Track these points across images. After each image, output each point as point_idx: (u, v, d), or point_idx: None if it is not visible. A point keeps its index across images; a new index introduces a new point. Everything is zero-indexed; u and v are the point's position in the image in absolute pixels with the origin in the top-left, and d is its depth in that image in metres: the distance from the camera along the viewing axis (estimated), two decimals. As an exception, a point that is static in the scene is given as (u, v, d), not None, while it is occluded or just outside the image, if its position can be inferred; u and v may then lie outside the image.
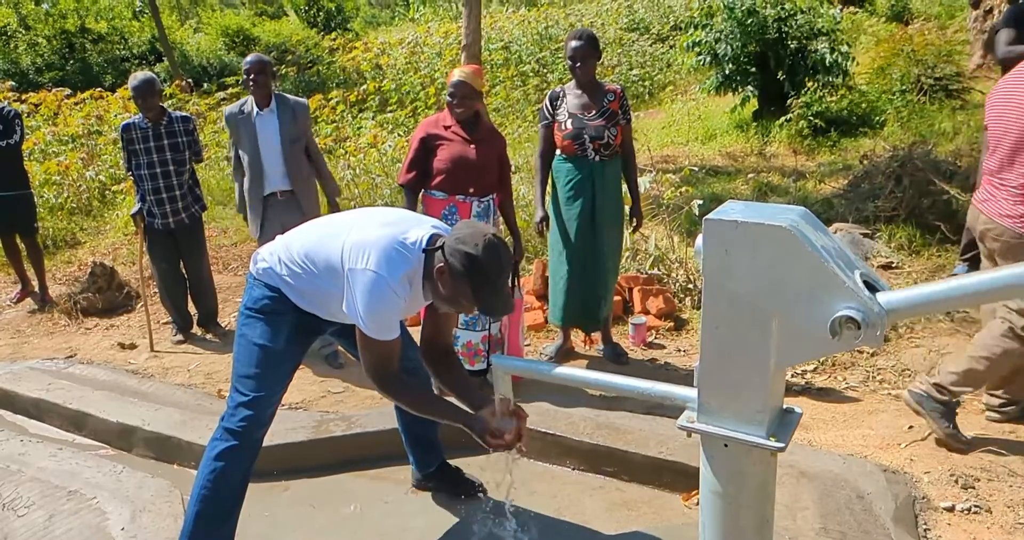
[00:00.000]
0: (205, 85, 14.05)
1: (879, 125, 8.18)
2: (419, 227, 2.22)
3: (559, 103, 3.79)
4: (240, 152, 4.19)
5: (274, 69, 4.40)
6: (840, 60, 8.27)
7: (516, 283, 3.93)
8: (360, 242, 2.16)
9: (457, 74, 3.55)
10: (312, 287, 2.31)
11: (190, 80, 12.92)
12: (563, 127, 3.73)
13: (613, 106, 3.72)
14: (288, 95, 4.25)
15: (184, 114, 4.60)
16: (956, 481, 2.84)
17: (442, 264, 2.07)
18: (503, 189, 3.73)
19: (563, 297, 3.89)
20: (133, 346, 4.69)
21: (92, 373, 4.22)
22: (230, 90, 10.73)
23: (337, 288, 2.21)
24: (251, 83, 4.06)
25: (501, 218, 3.81)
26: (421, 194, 3.65)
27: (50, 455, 3.33)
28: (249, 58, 4.15)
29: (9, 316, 5.44)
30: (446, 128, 3.56)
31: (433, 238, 2.18)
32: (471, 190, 3.55)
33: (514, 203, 3.90)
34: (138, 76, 4.41)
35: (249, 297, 2.42)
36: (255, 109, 4.12)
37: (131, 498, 2.92)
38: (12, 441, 3.49)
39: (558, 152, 3.81)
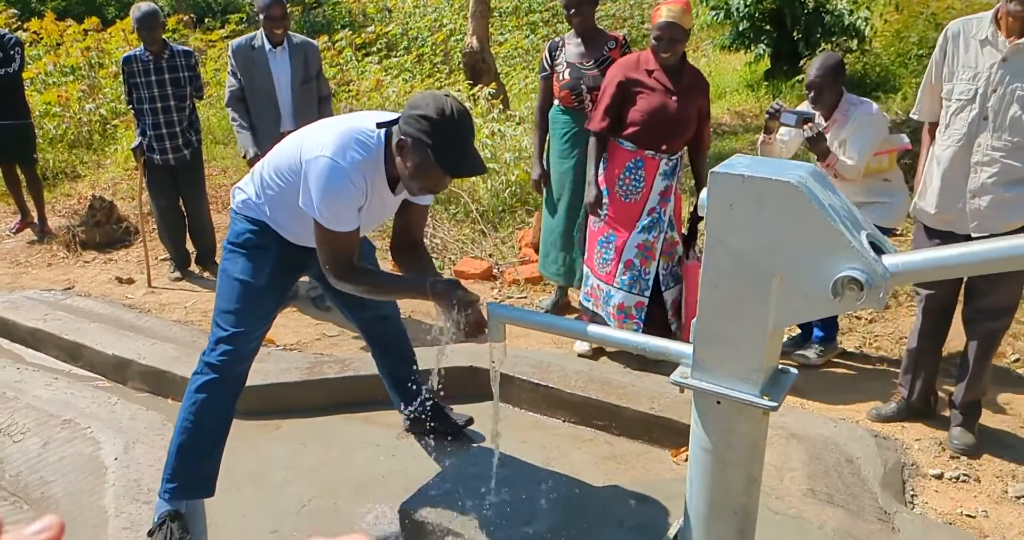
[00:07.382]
0: (207, 21, 13.76)
1: (894, 90, 8.03)
2: (379, 117, 2.17)
3: (558, 53, 3.67)
4: (245, 86, 4.05)
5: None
6: (858, 22, 8.08)
7: (693, 244, 3.56)
8: (318, 137, 2.13)
9: (665, 13, 3.13)
10: (285, 207, 2.25)
11: (192, 16, 12.64)
12: (561, 77, 3.63)
13: (614, 55, 3.59)
14: (295, 34, 4.12)
15: (186, 48, 4.49)
16: (946, 449, 2.86)
17: (401, 137, 2.02)
18: (700, 142, 3.45)
19: (554, 252, 3.86)
20: (131, 281, 4.69)
21: (89, 306, 4.22)
22: (231, 28, 10.49)
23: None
24: (269, 22, 3.91)
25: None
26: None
27: (46, 384, 3.35)
28: None
29: (8, 246, 5.44)
30: (648, 74, 3.22)
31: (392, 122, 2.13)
32: (663, 147, 3.27)
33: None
34: (141, 7, 4.30)
35: (232, 231, 2.41)
36: (267, 45, 3.99)
37: (124, 429, 2.95)
38: (9, 368, 3.52)
39: (556, 103, 3.72)
